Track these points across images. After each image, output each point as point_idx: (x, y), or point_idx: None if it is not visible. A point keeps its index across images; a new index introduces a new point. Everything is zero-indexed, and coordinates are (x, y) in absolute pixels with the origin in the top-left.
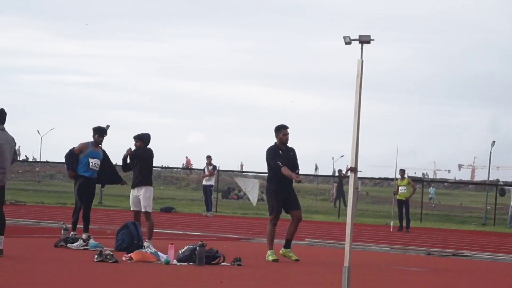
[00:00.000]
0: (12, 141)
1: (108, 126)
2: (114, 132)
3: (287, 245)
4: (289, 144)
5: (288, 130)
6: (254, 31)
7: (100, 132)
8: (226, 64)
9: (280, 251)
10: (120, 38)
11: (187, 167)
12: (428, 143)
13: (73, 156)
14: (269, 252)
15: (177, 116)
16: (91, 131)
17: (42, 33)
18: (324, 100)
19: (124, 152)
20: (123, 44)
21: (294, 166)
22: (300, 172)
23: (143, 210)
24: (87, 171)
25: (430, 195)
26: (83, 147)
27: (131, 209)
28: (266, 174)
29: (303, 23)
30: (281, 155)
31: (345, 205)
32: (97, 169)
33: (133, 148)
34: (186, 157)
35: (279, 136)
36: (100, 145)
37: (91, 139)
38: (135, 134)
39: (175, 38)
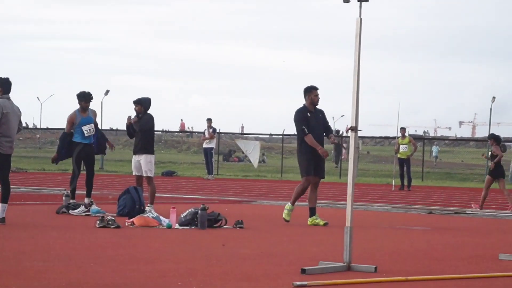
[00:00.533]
0: (18, 111)
1: (107, 91)
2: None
3: (313, 213)
4: (288, 105)
5: (318, 91)
6: None
7: (85, 98)
8: (225, 26)
9: (308, 221)
10: (117, 2)
11: (182, 130)
12: (429, 101)
13: (65, 139)
14: (288, 205)
15: (177, 80)
16: (77, 98)
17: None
18: (324, 59)
19: (125, 118)
20: (120, 8)
21: (325, 128)
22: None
23: (144, 175)
24: (84, 139)
25: (434, 153)
26: (71, 119)
27: (133, 173)
28: (267, 136)
29: None
30: (310, 117)
31: (335, 163)
32: (93, 133)
33: (133, 113)
34: (181, 120)
35: (310, 97)
36: (87, 111)
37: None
38: (135, 99)
39: (173, 0)
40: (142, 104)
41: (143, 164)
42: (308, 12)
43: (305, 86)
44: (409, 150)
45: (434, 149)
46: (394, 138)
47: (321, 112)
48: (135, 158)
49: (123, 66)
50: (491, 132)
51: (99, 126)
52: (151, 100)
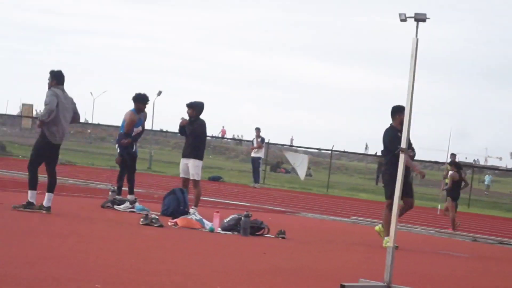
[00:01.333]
0: (71, 102)
1: (160, 92)
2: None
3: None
4: (339, 122)
5: None
6: (310, 4)
7: (143, 101)
8: (282, 37)
9: (376, 227)
10: (177, 5)
11: (222, 137)
12: (481, 129)
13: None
14: (386, 238)
15: (230, 86)
16: (133, 100)
17: None
18: (378, 77)
19: (176, 120)
20: (180, 11)
21: (410, 149)
22: (350, 150)
23: (191, 178)
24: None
25: (486, 182)
26: (134, 121)
27: (180, 176)
28: (316, 150)
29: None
30: (399, 137)
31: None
32: (136, 135)
33: (186, 116)
34: (223, 126)
35: (401, 117)
36: (141, 113)
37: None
38: (188, 102)
39: (232, 7)
40: (195, 108)
41: (191, 167)
42: (366, 29)
43: (394, 106)
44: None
45: (487, 178)
46: (443, 163)
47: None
48: (183, 161)
49: (177, 68)
50: None
51: (150, 127)
52: (204, 104)
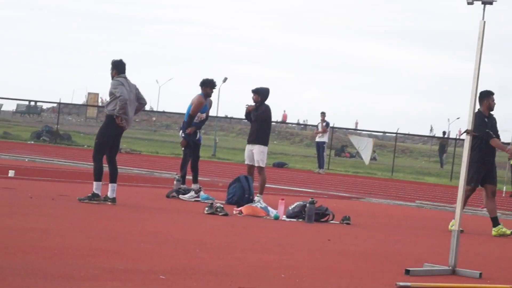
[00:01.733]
0: (135, 88)
1: (225, 79)
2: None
3: (496, 223)
4: (405, 104)
5: (494, 96)
6: None
7: (211, 85)
8: (346, 20)
9: (493, 231)
10: None
11: (284, 121)
12: None
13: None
14: (452, 221)
15: (294, 71)
16: (201, 84)
17: None
18: (443, 60)
19: (241, 107)
20: None
21: (496, 135)
22: (415, 133)
23: (256, 164)
24: (194, 124)
25: None
26: (202, 103)
27: (245, 162)
28: (380, 133)
29: None
30: (487, 123)
31: (442, 165)
32: (199, 122)
33: (251, 103)
34: (284, 111)
35: (488, 102)
36: (208, 98)
37: (200, 92)
38: (253, 88)
39: None
40: (260, 94)
41: (256, 154)
42: (432, 11)
43: (482, 90)
44: None
45: None
46: (509, 143)
47: (494, 119)
48: (248, 147)
49: (242, 54)
50: None
51: (215, 114)
52: (269, 90)
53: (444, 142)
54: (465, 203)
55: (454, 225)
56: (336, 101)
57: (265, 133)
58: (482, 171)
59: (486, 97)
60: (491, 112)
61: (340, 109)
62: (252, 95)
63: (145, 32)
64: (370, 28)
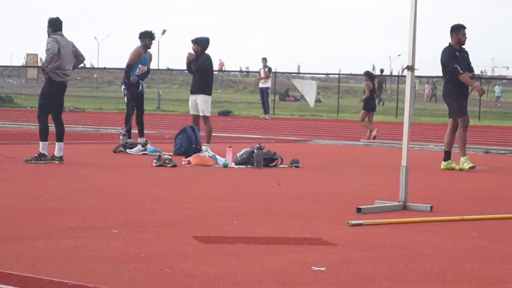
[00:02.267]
0: (71, 46)
1: (164, 31)
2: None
3: (447, 157)
4: (346, 44)
5: (466, 30)
6: None
7: (149, 36)
8: None
9: (442, 165)
10: None
11: (221, 70)
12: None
13: (129, 73)
14: (462, 159)
15: (235, 19)
16: (140, 37)
17: None
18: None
19: (182, 58)
20: None
21: (468, 69)
22: (358, 73)
23: (201, 114)
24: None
25: (496, 93)
26: (140, 53)
27: (190, 113)
28: (323, 75)
29: None
30: (457, 57)
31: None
32: (141, 74)
33: (191, 52)
34: (220, 59)
35: (458, 36)
36: (147, 51)
37: (140, 44)
38: (193, 38)
39: None
40: (200, 44)
41: (200, 103)
42: None
43: (452, 24)
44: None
45: (497, 89)
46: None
47: (466, 52)
48: (192, 97)
49: (181, 4)
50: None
51: (157, 67)
52: (209, 39)
53: (382, 80)
54: (465, 138)
55: (464, 162)
56: (277, 45)
57: (208, 82)
58: (463, 101)
59: (456, 31)
60: (463, 46)
61: (281, 53)
62: (192, 45)
63: None
64: None
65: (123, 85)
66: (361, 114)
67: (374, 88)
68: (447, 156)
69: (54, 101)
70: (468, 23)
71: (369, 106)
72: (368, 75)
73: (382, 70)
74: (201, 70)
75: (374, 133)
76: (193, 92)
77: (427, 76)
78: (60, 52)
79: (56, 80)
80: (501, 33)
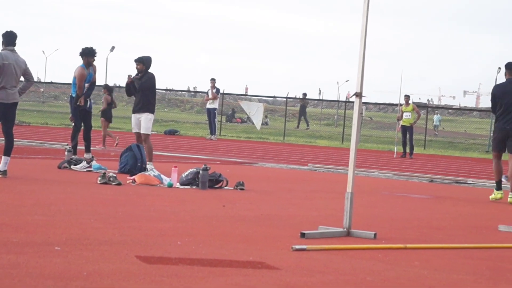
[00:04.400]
0: (22, 64)
1: (113, 48)
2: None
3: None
4: (294, 68)
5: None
6: None
7: (91, 54)
8: None
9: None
10: None
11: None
12: (434, 69)
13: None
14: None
15: (184, 38)
16: (81, 54)
17: None
18: (332, 23)
19: (127, 77)
20: None
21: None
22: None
23: (142, 131)
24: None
25: (434, 122)
26: (84, 76)
27: (133, 131)
28: (271, 98)
29: None
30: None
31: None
32: (88, 89)
33: (134, 73)
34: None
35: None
36: (90, 66)
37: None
38: (136, 57)
39: None
40: (143, 63)
41: (143, 121)
42: None
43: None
44: (412, 118)
45: (435, 118)
46: (397, 105)
47: None
48: (135, 116)
49: (130, 23)
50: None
51: (106, 82)
52: (151, 58)
53: (304, 103)
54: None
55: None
56: (226, 67)
57: (151, 101)
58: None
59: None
60: None
61: (230, 75)
62: (135, 64)
63: (31, 3)
64: None
65: (71, 102)
66: (102, 124)
67: (113, 101)
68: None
69: (4, 114)
70: (417, 52)
71: (107, 116)
72: (107, 88)
73: (305, 94)
74: (144, 89)
75: (116, 141)
76: (137, 111)
77: (375, 103)
78: (8, 68)
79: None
80: (449, 62)
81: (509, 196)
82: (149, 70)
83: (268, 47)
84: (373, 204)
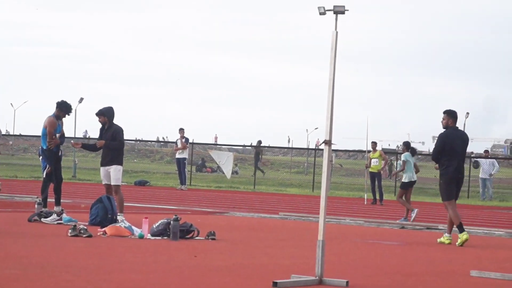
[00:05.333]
0: None
1: (81, 99)
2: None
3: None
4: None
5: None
6: (232, 2)
7: (67, 109)
8: (204, 35)
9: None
10: (92, 9)
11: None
12: (403, 115)
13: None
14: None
15: (152, 87)
16: (56, 105)
17: (14, 2)
18: (301, 71)
19: (99, 126)
20: (98, 15)
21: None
22: (275, 145)
23: (112, 183)
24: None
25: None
26: (54, 124)
27: (103, 183)
28: (240, 147)
29: None
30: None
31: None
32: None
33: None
34: (86, 130)
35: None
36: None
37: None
38: (97, 111)
39: (153, 7)
40: (104, 114)
41: (113, 173)
42: (286, 24)
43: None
44: (379, 164)
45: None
46: (365, 151)
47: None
48: (104, 168)
49: (98, 73)
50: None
51: (73, 135)
52: (113, 108)
53: (259, 150)
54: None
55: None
56: (195, 116)
57: (120, 153)
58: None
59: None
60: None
61: (199, 124)
62: (98, 118)
63: None
64: (227, 42)
65: (40, 156)
66: None
67: None
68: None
69: None
70: (386, 98)
71: None
72: None
73: (259, 142)
74: (114, 139)
75: None
76: (105, 164)
77: (344, 150)
78: None
79: None
80: (418, 108)
81: (444, 236)
82: (116, 121)
83: (237, 95)
84: (345, 251)
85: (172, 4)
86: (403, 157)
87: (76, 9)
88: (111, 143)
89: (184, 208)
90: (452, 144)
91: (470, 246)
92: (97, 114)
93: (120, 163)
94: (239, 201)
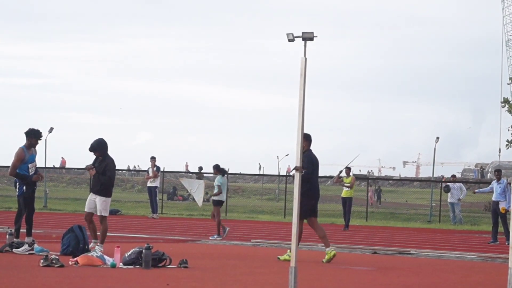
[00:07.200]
0: None
1: (51, 129)
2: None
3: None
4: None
5: None
6: (200, 30)
7: (36, 136)
8: (173, 63)
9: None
10: (64, 39)
11: (63, 167)
12: (373, 140)
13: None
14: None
15: (121, 117)
16: (26, 134)
17: None
18: (271, 98)
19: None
20: (66, 45)
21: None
22: (246, 172)
23: (98, 213)
24: (28, 176)
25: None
26: (21, 156)
27: (85, 210)
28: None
29: (248, 21)
30: None
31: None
32: (34, 171)
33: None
34: (62, 157)
35: None
36: (33, 148)
37: (25, 143)
38: (89, 147)
39: (123, 37)
40: (97, 149)
41: (99, 203)
42: (255, 51)
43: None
44: (351, 191)
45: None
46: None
47: None
48: (91, 196)
49: (68, 102)
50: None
51: (44, 165)
52: (103, 140)
53: (199, 177)
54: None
55: (286, 256)
56: (165, 144)
57: (111, 185)
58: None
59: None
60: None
61: (170, 152)
62: (93, 153)
63: None
64: (196, 70)
65: (17, 186)
66: None
67: None
68: None
69: None
70: (357, 123)
71: None
72: None
73: (200, 168)
74: (104, 173)
75: None
76: (94, 192)
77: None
78: None
79: None
80: (389, 134)
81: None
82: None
83: (207, 123)
84: (317, 277)
85: (142, 34)
86: (217, 181)
87: (46, 39)
88: (100, 176)
89: (156, 237)
90: (316, 168)
91: (442, 270)
92: (90, 151)
93: (109, 195)
94: (212, 229)
